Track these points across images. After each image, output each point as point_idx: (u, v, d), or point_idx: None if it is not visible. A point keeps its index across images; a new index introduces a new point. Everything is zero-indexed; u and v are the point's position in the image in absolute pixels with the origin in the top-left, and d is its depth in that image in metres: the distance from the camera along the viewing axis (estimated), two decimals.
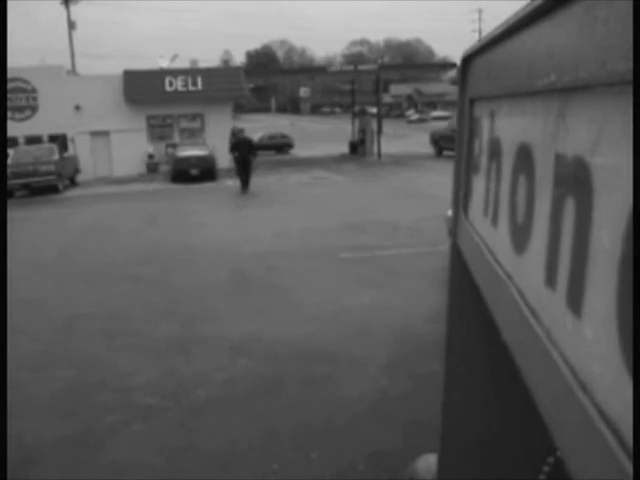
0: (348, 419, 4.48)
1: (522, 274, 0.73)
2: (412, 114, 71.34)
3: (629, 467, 0.41)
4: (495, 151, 0.92)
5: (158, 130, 27.26)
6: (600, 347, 0.48)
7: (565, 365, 0.54)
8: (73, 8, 43.87)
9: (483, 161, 1.04)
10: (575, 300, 0.53)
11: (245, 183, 19.12)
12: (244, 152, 19.17)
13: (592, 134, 0.50)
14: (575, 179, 0.54)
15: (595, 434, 0.46)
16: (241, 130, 21.21)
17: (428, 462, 2.24)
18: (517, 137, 0.77)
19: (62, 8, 43.27)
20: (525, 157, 0.72)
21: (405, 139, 40.33)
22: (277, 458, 4.02)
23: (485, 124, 1.03)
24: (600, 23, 0.47)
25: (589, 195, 0.51)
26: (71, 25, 43.16)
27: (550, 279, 0.60)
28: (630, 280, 0.43)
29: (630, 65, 0.41)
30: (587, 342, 0.51)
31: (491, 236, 0.94)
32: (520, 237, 0.74)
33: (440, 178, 17.17)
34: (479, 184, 1.08)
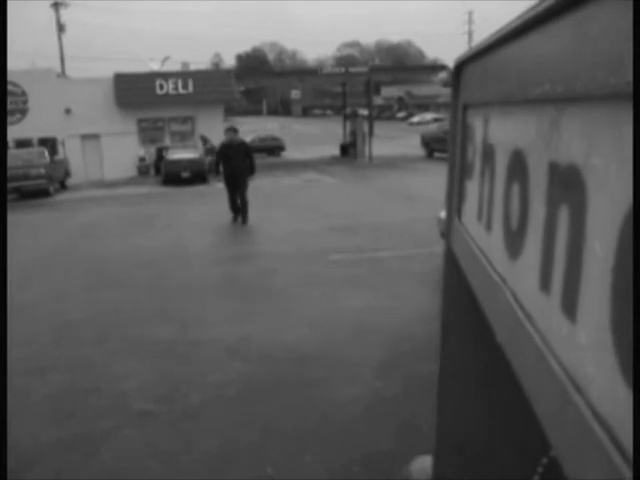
0: (342, 421, 4.49)
1: (516, 278, 0.74)
2: (405, 115, 71.82)
3: (624, 468, 0.42)
4: (488, 157, 0.94)
5: (149, 133, 27.24)
6: (594, 350, 0.49)
7: (560, 368, 0.56)
8: (63, 11, 43.76)
9: (476, 166, 1.05)
10: (569, 304, 0.55)
11: (242, 212, 12.75)
12: (237, 164, 12.42)
13: (585, 144, 0.52)
14: (569, 187, 0.55)
15: (590, 436, 0.47)
16: (232, 129, 13.26)
17: (423, 464, 2.25)
18: (511, 144, 0.79)
19: (52, 11, 43.18)
20: (519, 164, 0.73)
21: (396, 141, 40.41)
22: (272, 461, 4.02)
23: (478, 130, 1.05)
24: (590, 38, 0.48)
25: (583, 203, 0.52)
26: (61, 28, 43.07)
27: (544, 284, 0.62)
28: (624, 285, 0.44)
29: (620, 79, 0.42)
30: (581, 345, 0.52)
31: (485, 240, 0.95)
32: (514, 242, 0.75)
33: (431, 180, 17.22)
34: (472, 189, 1.09)
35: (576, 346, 0.53)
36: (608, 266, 0.47)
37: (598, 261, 0.49)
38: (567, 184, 0.56)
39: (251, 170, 12.68)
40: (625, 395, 0.43)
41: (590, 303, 0.50)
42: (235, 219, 12.95)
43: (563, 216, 0.57)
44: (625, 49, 0.42)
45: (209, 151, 23.90)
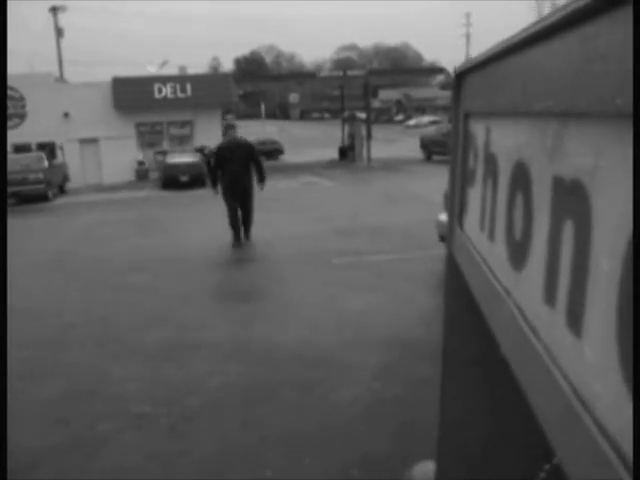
0: (341, 424, 4.48)
1: (521, 290, 0.74)
2: (402, 118, 72.34)
3: None
4: (491, 167, 0.94)
5: (148, 137, 27.25)
6: (600, 366, 0.49)
7: (566, 382, 0.56)
8: (61, 15, 43.79)
9: (478, 175, 1.06)
10: (575, 319, 0.55)
11: (245, 225, 10.69)
12: (239, 169, 10.08)
13: (590, 160, 0.52)
14: (573, 201, 0.56)
15: (597, 451, 0.48)
16: (231, 126, 10.93)
17: (425, 468, 2.25)
18: (513, 155, 0.79)
19: (50, 14, 43.18)
20: (522, 176, 0.74)
21: (395, 144, 40.44)
22: (270, 464, 4.02)
23: (480, 139, 1.05)
24: (597, 56, 0.48)
25: (588, 218, 0.52)
26: (59, 32, 43.06)
27: (549, 297, 0.62)
28: (630, 301, 0.44)
29: (627, 99, 0.42)
30: (587, 360, 0.52)
31: (488, 250, 0.95)
32: (518, 254, 0.75)
33: (430, 182, 17.21)
34: (474, 198, 1.09)
35: (582, 361, 0.53)
36: (614, 281, 0.47)
37: (604, 276, 0.49)
38: (572, 198, 0.56)
39: (260, 176, 10.43)
40: (631, 410, 0.44)
41: (596, 318, 0.51)
42: (237, 239, 10.60)
43: (568, 230, 0.57)
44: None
45: (210, 155, 23.80)
